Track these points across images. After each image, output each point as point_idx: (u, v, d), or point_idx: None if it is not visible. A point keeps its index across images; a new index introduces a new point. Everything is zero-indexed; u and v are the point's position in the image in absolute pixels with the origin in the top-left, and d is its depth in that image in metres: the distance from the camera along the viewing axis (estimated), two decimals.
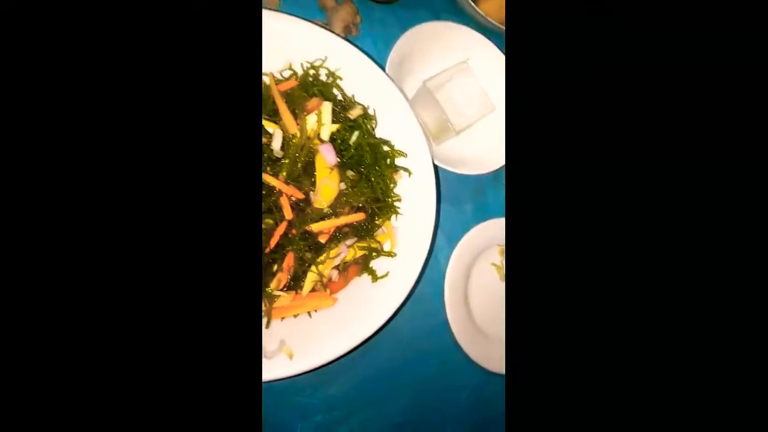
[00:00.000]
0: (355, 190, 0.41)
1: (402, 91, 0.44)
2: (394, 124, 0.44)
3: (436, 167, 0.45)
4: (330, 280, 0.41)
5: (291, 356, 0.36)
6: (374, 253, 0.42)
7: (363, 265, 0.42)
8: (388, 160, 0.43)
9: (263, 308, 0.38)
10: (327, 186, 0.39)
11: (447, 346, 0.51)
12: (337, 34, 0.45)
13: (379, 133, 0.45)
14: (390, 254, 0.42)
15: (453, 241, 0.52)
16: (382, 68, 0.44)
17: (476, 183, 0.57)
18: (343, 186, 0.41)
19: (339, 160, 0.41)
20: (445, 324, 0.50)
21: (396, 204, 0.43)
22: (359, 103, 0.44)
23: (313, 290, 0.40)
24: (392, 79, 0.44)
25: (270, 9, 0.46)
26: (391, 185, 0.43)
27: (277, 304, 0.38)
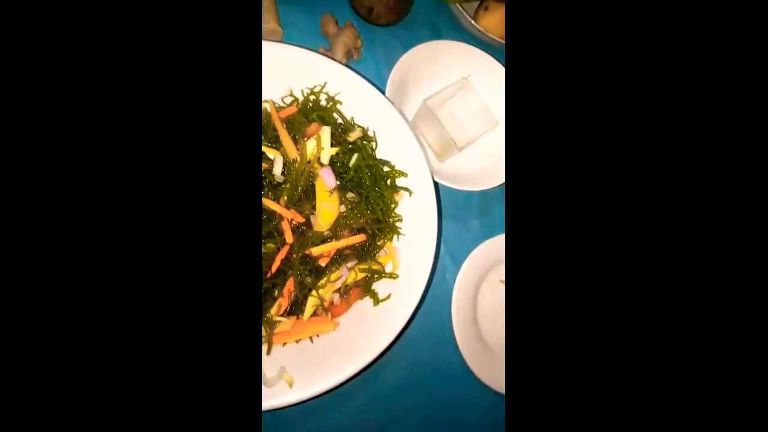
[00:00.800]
0: (355, 212, 0.41)
1: (401, 112, 0.44)
2: (395, 145, 0.44)
3: (437, 185, 0.44)
4: (331, 303, 0.41)
5: (291, 384, 0.36)
6: (375, 276, 0.42)
7: (364, 287, 0.42)
8: (388, 181, 0.43)
9: (263, 334, 0.38)
10: (327, 209, 0.39)
11: (456, 367, 0.50)
12: (337, 60, 0.46)
13: (380, 154, 0.45)
14: (392, 276, 0.42)
15: (460, 259, 0.51)
16: (382, 91, 0.45)
17: (482, 199, 0.57)
18: (343, 208, 0.41)
19: (339, 182, 0.41)
20: (454, 344, 0.49)
21: (397, 224, 0.43)
22: (359, 126, 0.45)
23: (314, 314, 0.40)
24: (390, 101, 0.44)
25: (273, 40, 0.48)
26: (392, 206, 0.43)
27: (277, 329, 0.38)
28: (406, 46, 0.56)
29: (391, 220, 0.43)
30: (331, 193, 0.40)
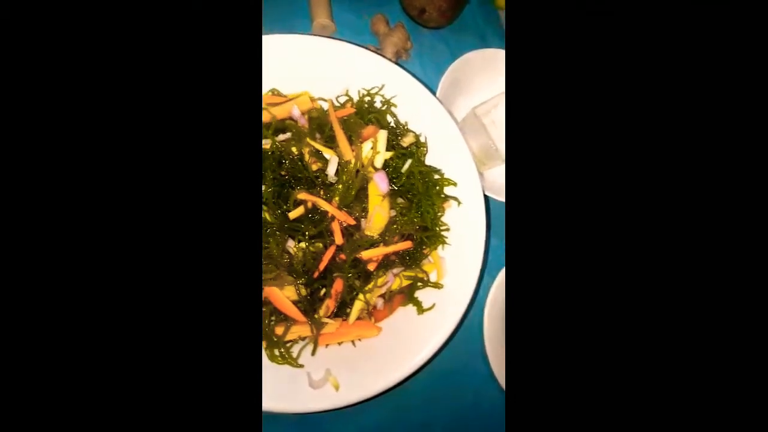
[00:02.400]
0: (404, 218, 0.40)
1: (454, 118, 0.44)
2: (444, 152, 0.44)
3: (486, 198, 0.44)
4: (374, 308, 0.41)
5: (337, 387, 0.36)
6: (420, 283, 0.41)
7: (408, 295, 0.41)
8: (437, 189, 0.43)
9: (310, 334, 0.38)
10: (379, 214, 0.39)
11: (484, 378, 0.49)
12: (390, 59, 0.45)
13: (429, 160, 0.45)
14: (437, 285, 0.41)
15: (494, 271, 0.51)
16: (434, 94, 0.44)
17: None
18: (393, 213, 0.41)
19: (391, 187, 0.41)
20: (483, 356, 0.49)
21: (444, 234, 0.43)
22: (411, 131, 0.44)
23: (358, 318, 0.40)
24: (444, 106, 0.44)
25: (327, 36, 0.48)
26: (439, 214, 0.43)
27: (323, 330, 0.38)
28: (453, 51, 0.56)
29: (438, 228, 0.42)
30: (384, 197, 0.40)
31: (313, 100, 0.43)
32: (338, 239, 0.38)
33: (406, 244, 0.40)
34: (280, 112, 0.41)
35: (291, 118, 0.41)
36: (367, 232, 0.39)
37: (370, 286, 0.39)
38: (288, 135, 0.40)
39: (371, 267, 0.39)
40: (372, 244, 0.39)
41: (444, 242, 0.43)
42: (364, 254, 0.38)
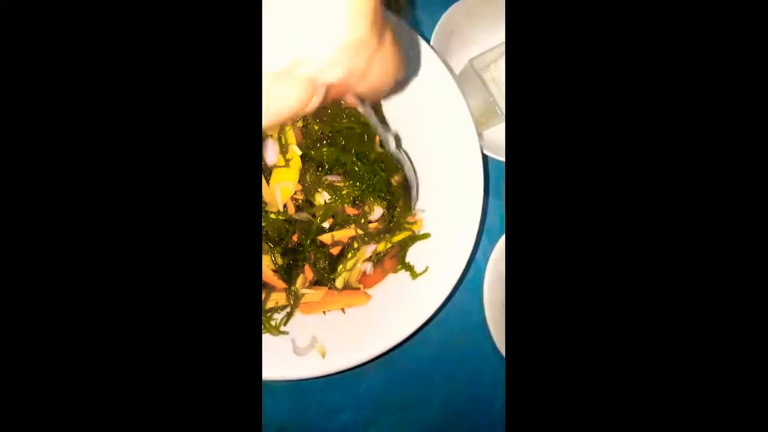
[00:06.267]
0: (344, 191, 0.34)
1: (450, 68, 0.40)
2: (439, 108, 0.40)
3: (485, 158, 0.40)
4: (364, 274, 0.38)
5: (324, 354, 0.34)
6: (408, 241, 0.38)
7: (399, 258, 0.39)
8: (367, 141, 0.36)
9: (290, 303, 0.35)
10: (285, 188, 0.34)
11: (484, 349, 0.48)
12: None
13: (419, 116, 0.41)
14: (424, 236, 0.38)
15: (495, 235, 0.48)
16: (427, 41, 0.40)
17: None
18: (325, 196, 0.35)
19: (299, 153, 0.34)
20: (484, 325, 0.46)
21: (440, 196, 0.39)
22: None
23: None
24: (440, 56, 0.40)
25: None
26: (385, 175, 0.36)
27: (306, 300, 0.35)
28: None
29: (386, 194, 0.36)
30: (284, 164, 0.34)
31: None
32: (290, 209, 0.35)
33: (349, 232, 0.35)
34: None
35: None
36: (296, 217, 0.35)
37: (347, 265, 0.36)
38: None
39: (334, 251, 0.36)
40: (318, 227, 0.35)
41: (383, 194, 0.36)
42: (320, 239, 0.35)
